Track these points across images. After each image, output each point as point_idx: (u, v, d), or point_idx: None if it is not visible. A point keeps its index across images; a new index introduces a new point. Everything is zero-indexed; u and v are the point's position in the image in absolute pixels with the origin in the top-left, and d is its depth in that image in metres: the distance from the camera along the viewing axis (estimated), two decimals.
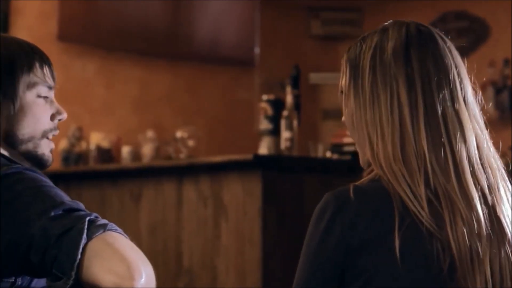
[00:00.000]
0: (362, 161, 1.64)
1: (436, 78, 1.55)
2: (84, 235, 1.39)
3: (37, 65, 1.67)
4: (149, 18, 5.70)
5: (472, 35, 6.15)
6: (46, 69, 1.69)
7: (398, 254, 1.46)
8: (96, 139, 4.93)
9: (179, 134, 4.23)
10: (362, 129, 1.57)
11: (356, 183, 1.56)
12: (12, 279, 1.48)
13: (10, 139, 1.64)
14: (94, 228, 1.41)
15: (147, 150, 5.04)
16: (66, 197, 1.49)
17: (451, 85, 1.57)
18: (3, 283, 1.47)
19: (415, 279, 1.48)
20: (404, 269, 1.48)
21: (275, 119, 3.92)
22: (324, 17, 7.08)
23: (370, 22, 6.99)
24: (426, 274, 1.48)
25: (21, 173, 1.52)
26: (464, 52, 5.96)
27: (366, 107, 1.56)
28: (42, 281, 1.56)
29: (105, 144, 4.99)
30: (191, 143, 4.17)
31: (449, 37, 1.67)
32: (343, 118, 1.67)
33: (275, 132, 3.89)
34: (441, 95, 1.55)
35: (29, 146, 1.65)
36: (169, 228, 3.54)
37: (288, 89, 3.84)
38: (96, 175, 3.91)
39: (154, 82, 5.72)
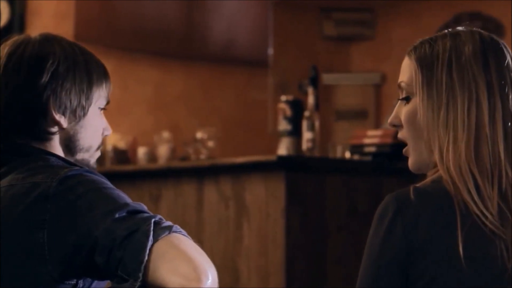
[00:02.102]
0: (416, 161, 1.63)
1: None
2: (151, 237, 1.38)
3: (105, 81, 1.71)
4: (164, 19, 5.70)
5: None
6: (109, 84, 1.73)
7: (462, 254, 1.47)
8: (113, 140, 4.92)
9: (199, 135, 4.22)
10: (432, 130, 1.57)
11: (417, 185, 1.57)
12: (74, 281, 1.47)
13: (71, 146, 1.66)
14: (159, 230, 1.40)
15: (163, 151, 5.03)
16: (128, 199, 1.49)
17: None
18: (65, 285, 1.46)
19: (478, 279, 1.49)
20: (467, 269, 1.48)
21: (294, 120, 3.91)
22: (337, 18, 7.07)
23: (383, 22, 6.98)
24: (490, 273, 1.49)
25: (82, 175, 1.51)
26: None
27: (440, 109, 1.56)
28: (102, 283, 1.56)
29: (121, 145, 4.98)
30: (210, 144, 4.16)
31: None
32: (389, 120, 1.67)
33: (295, 133, 3.89)
34: None
35: (85, 155, 1.68)
36: (189, 229, 3.50)
37: (310, 90, 3.83)
38: (114, 176, 3.90)
39: (169, 83, 5.72)
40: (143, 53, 5.61)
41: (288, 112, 3.94)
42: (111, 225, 1.41)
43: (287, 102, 3.96)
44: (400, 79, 1.66)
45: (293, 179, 3.21)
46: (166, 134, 5.14)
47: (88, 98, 1.65)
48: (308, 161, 3.40)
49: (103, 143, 1.76)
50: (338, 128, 6.66)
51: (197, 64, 5.91)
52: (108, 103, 1.73)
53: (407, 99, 1.63)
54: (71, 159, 1.64)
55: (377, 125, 6.81)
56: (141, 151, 5.09)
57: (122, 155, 4.97)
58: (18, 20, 5.19)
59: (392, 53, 6.87)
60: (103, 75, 1.70)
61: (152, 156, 5.10)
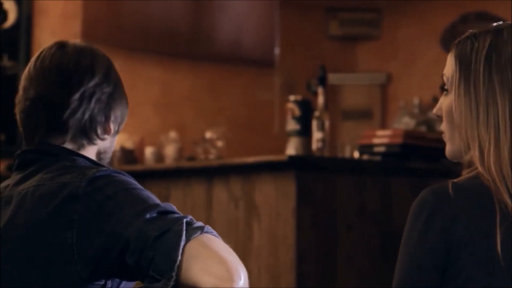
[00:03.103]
0: (451, 150, 1.63)
1: None
2: (183, 237, 1.38)
3: None
4: (171, 19, 5.70)
5: None
6: None
7: (500, 251, 1.46)
8: (120, 140, 4.93)
9: (208, 135, 4.22)
10: (470, 129, 1.56)
11: (454, 180, 1.55)
12: (103, 282, 1.47)
13: (103, 156, 1.70)
14: (191, 230, 1.40)
15: (170, 151, 5.03)
16: (157, 199, 1.49)
17: None
18: (94, 286, 1.45)
19: None
20: (505, 270, 1.47)
21: (303, 120, 3.91)
22: (343, 18, 7.07)
23: (389, 22, 6.97)
24: None
25: (111, 176, 1.51)
26: None
27: (478, 108, 1.55)
28: (130, 284, 1.55)
29: (129, 145, 4.98)
30: (219, 144, 4.16)
31: None
32: (434, 110, 1.66)
33: (303, 133, 3.88)
34: None
35: (106, 159, 1.70)
36: None
37: (320, 90, 3.83)
38: None
39: (176, 83, 5.71)
40: (150, 53, 5.61)
41: (297, 112, 3.93)
42: (143, 225, 1.41)
43: (295, 102, 3.95)
44: (444, 71, 1.65)
45: (304, 178, 3.21)
46: (173, 134, 5.14)
47: (125, 111, 1.70)
48: (319, 161, 3.40)
49: None
50: (343, 128, 6.66)
51: (204, 64, 5.91)
52: None
53: (445, 90, 1.63)
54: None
55: (382, 125, 6.81)
56: (148, 151, 5.09)
57: (129, 155, 4.97)
58: (25, 20, 5.19)
59: (398, 53, 6.87)
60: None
61: (159, 156, 5.10)
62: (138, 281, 1.50)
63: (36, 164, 1.58)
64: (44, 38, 5.27)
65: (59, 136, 1.61)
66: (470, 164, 1.58)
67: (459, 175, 1.59)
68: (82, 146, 1.63)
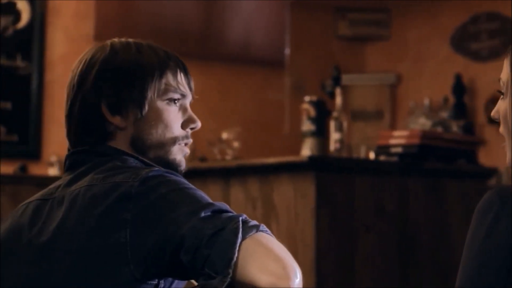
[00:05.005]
0: (511, 158, 1.62)
1: None
2: (240, 235, 1.37)
3: (170, 72, 1.64)
4: (182, 20, 5.71)
5: (505, 36, 6.13)
6: (181, 77, 1.66)
7: None
8: None
9: (224, 135, 4.22)
10: None
11: None
12: (156, 281, 1.46)
13: (138, 144, 1.62)
14: (247, 228, 1.39)
15: None
16: (210, 199, 1.48)
17: None
18: (147, 285, 1.45)
19: None
20: None
21: (318, 120, 3.90)
22: (352, 18, 7.07)
23: (398, 23, 6.97)
24: None
25: (163, 176, 1.50)
26: (496, 53, 5.96)
27: None
28: (182, 283, 1.55)
29: None
30: (236, 144, 4.16)
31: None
32: (492, 113, 1.66)
33: (319, 134, 3.88)
34: None
35: (160, 152, 1.63)
36: None
37: (338, 90, 3.82)
38: None
39: None
40: None
41: (312, 112, 3.93)
42: (198, 223, 1.40)
43: (311, 102, 3.94)
44: (500, 75, 1.65)
45: (323, 179, 3.20)
46: None
47: (142, 93, 1.61)
48: (338, 162, 3.39)
49: (189, 137, 1.68)
50: (353, 128, 6.65)
51: (214, 64, 5.92)
52: (184, 96, 1.66)
53: (502, 94, 1.62)
54: (145, 159, 1.62)
55: (392, 126, 6.80)
56: None
57: None
58: (38, 20, 5.20)
59: (408, 53, 6.87)
60: (160, 66, 1.63)
61: None
62: (190, 281, 1.50)
63: (87, 164, 1.58)
64: (57, 38, 5.28)
65: (94, 137, 1.62)
66: None
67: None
68: (112, 142, 1.63)
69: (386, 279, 3.31)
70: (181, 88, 1.66)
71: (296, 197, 3.23)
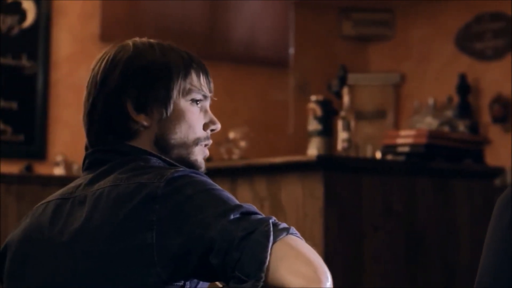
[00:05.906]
0: None
1: None
2: (271, 238, 1.37)
3: (194, 73, 1.64)
4: (187, 20, 5.72)
5: (508, 36, 6.13)
6: (202, 79, 1.66)
7: None
8: None
9: (231, 135, 4.22)
10: None
11: None
12: (182, 283, 1.44)
13: (161, 144, 1.62)
14: (278, 231, 1.38)
15: None
16: (237, 200, 1.47)
17: None
18: (173, 287, 1.43)
19: None
20: None
21: (324, 120, 3.90)
22: (356, 18, 7.08)
23: (402, 23, 6.98)
24: None
25: (189, 176, 1.48)
26: (500, 53, 5.95)
27: None
28: (206, 284, 1.53)
29: None
30: (242, 144, 4.16)
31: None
32: None
33: (325, 133, 3.87)
34: None
35: (182, 152, 1.63)
36: None
37: (345, 90, 3.82)
38: None
39: None
40: None
41: (319, 112, 3.93)
42: (227, 226, 1.38)
43: (317, 102, 3.94)
44: None
45: (331, 179, 3.21)
46: None
47: (168, 93, 1.61)
48: (347, 161, 3.39)
49: (209, 138, 1.68)
50: (357, 128, 6.65)
51: (219, 64, 5.92)
52: (206, 98, 1.67)
53: None
54: (167, 158, 1.61)
55: (396, 125, 6.81)
56: None
57: None
58: (44, 20, 5.20)
59: (411, 53, 6.87)
60: (186, 67, 1.63)
61: None
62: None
63: (109, 163, 1.57)
64: (63, 38, 5.28)
65: (116, 135, 1.62)
66: None
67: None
68: (134, 141, 1.63)
69: (394, 278, 3.32)
70: (204, 89, 1.66)
71: (305, 197, 3.23)
